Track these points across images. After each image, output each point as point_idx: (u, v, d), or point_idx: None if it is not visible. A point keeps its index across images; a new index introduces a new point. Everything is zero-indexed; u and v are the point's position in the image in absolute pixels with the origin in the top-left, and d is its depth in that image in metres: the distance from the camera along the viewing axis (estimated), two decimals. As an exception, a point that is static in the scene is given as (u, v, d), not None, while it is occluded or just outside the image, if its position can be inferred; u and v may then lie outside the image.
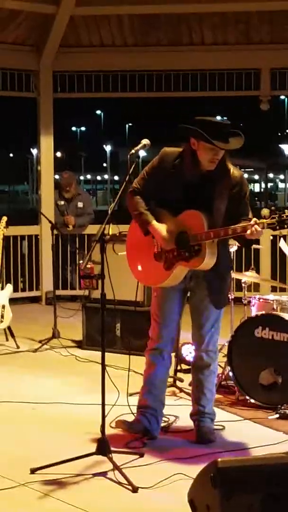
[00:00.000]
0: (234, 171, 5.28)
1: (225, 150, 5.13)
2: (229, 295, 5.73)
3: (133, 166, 5.09)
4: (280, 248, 7.40)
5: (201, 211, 5.17)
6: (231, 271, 5.69)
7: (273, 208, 5.16)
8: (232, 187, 5.22)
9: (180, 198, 5.25)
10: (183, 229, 5.24)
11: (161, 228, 5.30)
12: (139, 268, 5.52)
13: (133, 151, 5.11)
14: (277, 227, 4.90)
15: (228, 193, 5.19)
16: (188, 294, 5.52)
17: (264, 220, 4.94)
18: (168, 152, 5.34)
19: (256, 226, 4.93)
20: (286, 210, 4.93)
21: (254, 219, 4.98)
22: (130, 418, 5.64)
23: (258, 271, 8.97)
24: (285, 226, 4.88)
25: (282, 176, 71.59)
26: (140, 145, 5.22)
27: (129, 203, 5.46)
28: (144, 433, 5.45)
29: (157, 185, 5.32)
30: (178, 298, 5.50)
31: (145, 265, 5.47)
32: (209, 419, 5.56)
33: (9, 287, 8.56)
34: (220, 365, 6.86)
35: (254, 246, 8.77)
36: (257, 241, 10.23)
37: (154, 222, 5.31)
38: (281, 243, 7.40)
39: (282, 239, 7.57)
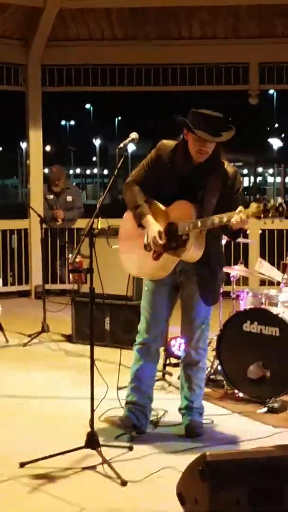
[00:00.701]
0: (228, 166, 5.29)
1: (212, 142, 5.13)
2: (220, 291, 5.68)
3: (122, 160, 5.10)
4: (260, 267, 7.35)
5: (191, 202, 5.19)
6: (223, 264, 5.64)
7: (258, 196, 5.19)
8: (225, 182, 5.23)
9: (174, 190, 5.26)
10: (172, 220, 5.26)
11: (155, 223, 5.30)
12: (130, 258, 5.53)
13: (121, 145, 5.12)
14: (262, 216, 4.89)
15: (220, 188, 5.21)
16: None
17: (250, 209, 4.93)
18: (165, 144, 5.35)
19: (241, 214, 4.92)
20: (271, 200, 4.92)
21: (240, 207, 4.97)
22: (120, 411, 5.65)
23: (247, 265, 8.98)
24: (270, 215, 4.86)
25: (271, 171, 71.53)
26: (128, 139, 5.24)
27: (127, 193, 5.47)
28: (132, 429, 5.46)
29: (155, 177, 5.34)
30: (169, 293, 5.49)
31: (135, 256, 5.47)
32: (197, 413, 5.57)
33: (-2, 281, 8.55)
34: (208, 359, 6.88)
35: (243, 240, 8.80)
36: (244, 234, 10.24)
37: (149, 217, 5.31)
38: (258, 266, 7.36)
39: (259, 259, 7.50)
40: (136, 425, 5.48)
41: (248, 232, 11.12)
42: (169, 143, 5.34)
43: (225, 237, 5.86)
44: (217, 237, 5.44)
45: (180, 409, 5.63)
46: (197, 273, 5.34)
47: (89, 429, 4.95)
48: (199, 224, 5.10)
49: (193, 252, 5.20)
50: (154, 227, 5.28)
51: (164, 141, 5.37)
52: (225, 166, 5.28)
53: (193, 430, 5.46)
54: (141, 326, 5.56)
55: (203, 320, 5.48)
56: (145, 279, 5.55)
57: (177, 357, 6.88)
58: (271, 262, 9.55)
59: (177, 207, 5.26)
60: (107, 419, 5.64)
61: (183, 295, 5.49)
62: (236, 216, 4.93)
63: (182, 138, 5.23)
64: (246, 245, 10.90)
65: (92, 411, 4.96)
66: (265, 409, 6.01)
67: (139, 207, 5.35)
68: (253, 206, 4.91)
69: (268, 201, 4.89)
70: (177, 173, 5.24)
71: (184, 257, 5.23)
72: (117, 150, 5.13)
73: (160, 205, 5.34)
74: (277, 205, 4.86)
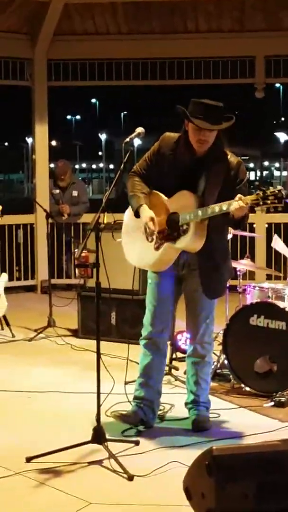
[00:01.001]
0: (231, 157, 5.28)
1: (209, 130, 5.11)
2: (226, 286, 5.66)
3: (128, 154, 5.08)
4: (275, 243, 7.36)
5: (191, 191, 5.19)
6: (229, 261, 5.62)
7: (257, 183, 5.18)
8: (228, 173, 5.22)
9: (176, 182, 5.25)
10: (174, 210, 5.26)
11: (147, 211, 5.27)
12: (132, 250, 5.53)
13: (127, 139, 5.11)
14: (261, 203, 4.88)
15: (222, 179, 5.19)
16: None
17: (249, 196, 4.92)
18: (168, 136, 5.36)
19: (240, 201, 4.91)
20: (270, 187, 4.91)
21: (239, 195, 4.96)
22: (127, 406, 5.65)
23: (253, 259, 8.97)
24: (269, 202, 4.85)
25: (277, 164, 71.49)
26: (134, 134, 5.22)
27: (127, 184, 5.48)
28: (140, 424, 5.45)
29: (158, 170, 5.34)
30: (173, 286, 5.48)
31: (137, 247, 5.46)
32: (204, 407, 5.56)
33: (5, 276, 8.54)
34: (215, 353, 6.87)
35: (250, 234, 8.80)
36: (250, 228, 10.24)
37: (144, 206, 5.29)
38: (274, 242, 7.38)
39: (275, 236, 7.53)
40: (143, 420, 5.47)
41: (254, 226, 11.13)
42: (171, 135, 5.34)
43: (231, 231, 5.86)
44: (221, 231, 5.43)
45: (186, 404, 5.62)
46: (200, 267, 5.33)
47: (95, 424, 4.95)
48: (200, 213, 5.10)
49: (193, 242, 5.18)
50: (147, 213, 5.25)
51: (167, 134, 5.38)
52: (228, 157, 5.27)
53: (199, 425, 5.45)
54: (146, 319, 5.55)
55: (207, 314, 5.47)
56: (149, 272, 5.53)
57: (184, 351, 6.87)
58: (278, 256, 9.57)
59: (178, 197, 5.25)
60: (114, 413, 5.62)
61: (186, 289, 5.48)
62: (235, 204, 4.92)
63: (183, 129, 5.23)
64: (252, 239, 10.89)
65: (99, 406, 4.96)
66: (272, 403, 6.00)
67: (135, 196, 5.35)
68: (253, 195, 4.92)
69: (267, 188, 4.88)
70: (179, 165, 5.24)
71: (185, 246, 5.22)
72: (123, 144, 5.12)
73: (163, 196, 5.32)
74: (276, 191, 4.86)
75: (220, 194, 5.17)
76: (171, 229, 5.27)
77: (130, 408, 5.58)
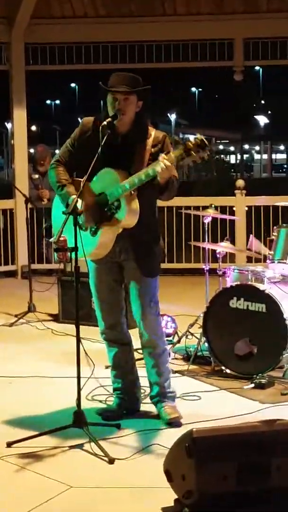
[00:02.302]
0: (156, 132, 5.18)
1: (119, 93, 5.04)
2: (160, 265, 5.51)
3: (105, 138, 5.04)
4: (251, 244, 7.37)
5: (115, 168, 5.07)
6: (159, 241, 5.40)
7: (176, 138, 5.10)
8: (153, 146, 5.09)
9: (102, 164, 5.08)
10: (100, 190, 5.13)
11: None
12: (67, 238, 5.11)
13: (104, 123, 5.06)
14: (185, 157, 4.77)
15: (148, 155, 5.06)
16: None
17: (172, 153, 4.80)
18: (88, 120, 5.28)
19: (164, 161, 4.77)
20: (191, 139, 4.80)
21: (162, 154, 4.83)
22: (105, 391, 5.68)
23: (233, 242, 8.99)
24: (193, 153, 4.74)
25: (257, 147, 71.57)
26: (111, 117, 5.17)
27: (51, 175, 5.36)
28: (126, 412, 5.44)
29: (82, 154, 5.18)
30: (115, 275, 5.32)
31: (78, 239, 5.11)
32: (171, 398, 5.42)
33: (-16, 262, 8.51)
34: (195, 336, 6.90)
35: (230, 217, 8.79)
36: (230, 211, 10.24)
37: (74, 196, 5.05)
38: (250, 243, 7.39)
39: (251, 236, 7.52)
40: (128, 409, 5.47)
41: (234, 209, 11.14)
42: (90, 118, 5.27)
43: (209, 215, 5.76)
44: (150, 207, 5.23)
45: (152, 397, 5.46)
46: (134, 250, 5.18)
47: (76, 408, 4.95)
48: (127, 185, 4.97)
49: (128, 216, 5.02)
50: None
51: (86, 118, 5.31)
52: (152, 132, 5.15)
53: (172, 420, 5.23)
54: (97, 314, 5.46)
55: (151, 297, 5.28)
56: (88, 266, 5.28)
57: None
58: (257, 238, 9.57)
59: (101, 177, 5.12)
60: (97, 411, 5.60)
61: (126, 276, 5.31)
62: (161, 164, 4.78)
63: (104, 108, 5.15)
64: (232, 222, 10.90)
65: (79, 390, 4.95)
66: (252, 385, 6.02)
67: (64, 187, 5.23)
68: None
69: (188, 141, 4.77)
70: (104, 146, 5.03)
71: (121, 223, 5.05)
72: (100, 128, 5.08)
73: (88, 181, 5.12)
74: (198, 141, 4.75)
75: None
76: (102, 210, 5.12)
77: (113, 401, 5.57)
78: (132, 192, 5.00)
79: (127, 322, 5.54)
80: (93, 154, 4.99)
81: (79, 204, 4.97)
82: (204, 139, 4.77)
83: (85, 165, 5.02)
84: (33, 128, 43.95)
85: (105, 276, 5.34)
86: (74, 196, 5.02)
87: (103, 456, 4.65)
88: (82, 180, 5.03)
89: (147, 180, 4.91)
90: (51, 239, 5.33)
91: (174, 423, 5.21)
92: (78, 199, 4.91)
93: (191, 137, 4.83)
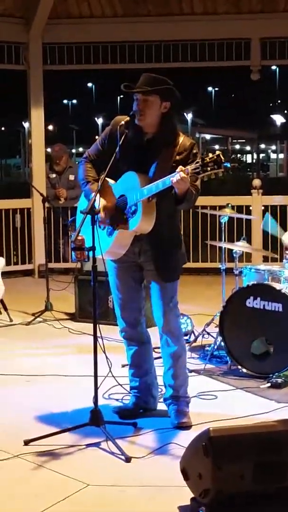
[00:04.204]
0: (184, 138, 5.12)
1: (138, 93, 5.02)
2: (180, 270, 5.45)
3: (123, 137, 5.05)
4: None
5: (138, 172, 5.04)
6: (182, 248, 5.42)
7: (195, 151, 5.04)
8: (178, 154, 5.05)
9: (127, 165, 5.09)
10: (121, 193, 5.14)
11: (101, 198, 5.13)
12: (84, 238, 5.11)
13: (122, 122, 5.07)
14: (201, 172, 4.68)
15: (172, 160, 5.01)
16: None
17: (189, 166, 4.74)
18: (118, 118, 5.22)
19: (180, 172, 4.72)
20: (210, 154, 4.72)
21: (180, 166, 4.78)
22: (122, 389, 5.70)
23: (249, 241, 8.99)
24: (209, 169, 4.66)
25: (273, 147, 71.40)
26: (130, 117, 5.18)
27: (79, 171, 5.38)
28: (143, 411, 5.45)
29: (110, 151, 5.13)
30: (134, 274, 5.33)
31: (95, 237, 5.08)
32: (184, 402, 5.38)
33: (2, 261, 8.55)
34: (212, 335, 6.92)
35: (246, 216, 8.78)
36: (247, 211, 10.25)
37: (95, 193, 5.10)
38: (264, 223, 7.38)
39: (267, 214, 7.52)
40: (145, 408, 5.48)
41: (251, 208, 11.14)
42: (123, 117, 5.18)
43: (226, 215, 5.76)
44: (171, 216, 5.21)
45: (165, 399, 5.44)
46: (152, 254, 5.18)
47: (93, 407, 4.97)
48: (145, 191, 4.94)
49: (143, 222, 5.00)
50: (102, 201, 5.12)
51: (118, 116, 5.25)
52: (180, 138, 5.11)
53: (181, 424, 5.20)
54: (117, 312, 5.48)
55: (170, 299, 5.26)
56: (108, 265, 5.35)
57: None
58: (274, 238, 9.57)
59: (124, 179, 5.12)
60: (111, 396, 5.65)
61: (146, 276, 5.31)
62: (177, 175, 4.74)
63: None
64: (248, 222, 10.91)
65: (96, 388, 4.97)
66: (268, 384, 6.03)
67: (87, 184, 5.23)
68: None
69: (206, 155, 4.70)
70: (129, 148, 5.06)
71: (136, 228, 5.04)
72: (118, 128, 5.09)
73: (109, 181, 5.16)
74: (215, 157, 4.66)
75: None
76: (120, 212, 5.13)
77: (129, 400, 5.59)
78: (150, 198, 4.98)
79: (146, 321, 5.56)
80: (120, 153, 5.01)
81: (97, 202, 4.99)
82: (222, 156, 4.69)
83: (113, 164, 5.02)
84: (50, 127, 44.06)
85: (125, 275, 5.35)
86: (93, 194, 5.05)
87: (120, 454, 4.67)
88: (106, 179, 5.06)
89: (164, 189, 4.88)
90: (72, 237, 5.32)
91: (182, 428, 5.18)
92: (96, 198, 4.92)
93: (210, 154, 4.71)
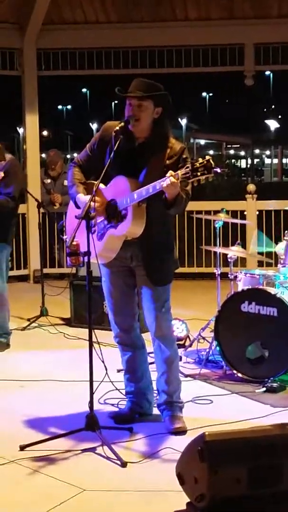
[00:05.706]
0: (175, 143, 5.12)
1: (137, 105, 5.04)
2: (171, 275, 5.41)
3: (118, 143, 5.06)
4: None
5: (128, 177, 5.05)
6: (174, 254, 5.37)
7: (185, 157, 5.05)
8: (169, 158, 5.05)
9: (118, 171, 5.10)
10: (111, 197, 5.14)
11: (83, 197, 5.15)
12: (82, 244, 5.06)
13: (117, 128, 5.07)
14: (191, 177, 4.68)
15: (163, 165, 5.01)
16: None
17: (179, 171, 4.74)
18: (109, 124, 5.25)
19: (170, 177, 4.72)
20: (200, 159, 4.71)
21: (170, 171, 4.79)
22: (118, 394, 5.71)
23: (244, 246, 8.99)
24: (199, 173, 4.66)
25: (268, 152, 71.51)
26: (124, 122, 5.18)
27: (67, 175, 5.41)
28: (138, 416, 5.46)
29: (100, 158, 5.17)
30: (126, 278, 5.33)
31: (83, 240, 5.03)
32: (178, 407, 5.36)
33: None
34: (207, 340, 6.92)
35: (241, 221, 8.79)
36: (241, 215, 10.26)
37: (81, 195, 5.15)
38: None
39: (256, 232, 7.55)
40: (141, 413, 5.48)
41: (245, 213, 11.15)
42: (113, 123, 5.20)
43: (221, 220, 5.77)
44: (163, 222, 5.19)
45: (159, 405, 5.42)
46: (144, 259, 5.17)
47: (88, 412, 4.97)
48: (135, 196, 4.94)
49: (133, 226, 5.01)
50: (84, 199, 5.10)
51: (109, 122, 5.28)
52: (172, 143, 5.11)
53: (175, 430, 5.19)
54: (110, 318, 5.49)
55: (162, 304, 5.25)
56: (101, 270, 5.33)
57: (178, 339, 6.92)
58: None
59: (114, 184, 5.12)
60: (107, 401, 5.66)
61: (138, 281, 5.29)
62: (167, 180, 4.74)
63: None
64: (243, 226, 10.92)
65: (91, 393, 4.98)
66: (264, 388, 6.03)
67: (73, 186, 5.25)
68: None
69: (196, 160, 4.70)
70: (121, 153, 5.06)
71: (126, 232, 5.05)
72: (113, 133, 5.10)
73: (100, 185, 5.11)
74: (205, 162, 4.65)
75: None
76: (110, 216, 5.14)
77: (125, 405, 5.59)
78: (140, 203, 4.99)
79: (140, 326, 5.57)
80: (110, 159, 5.02)
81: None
82: (212, 161, 4.69)
83: (102, 169, 5.03)
84: (45, 133, 44.05)
85: (118, 281, 5.35)
86: (83, 197, 5.10)
87: (115, 459, 4.67)
88: (95, 183, 5.05)
89: (154, 193, 4.88)
90: (66, 240, 5.34)
91: (177, 433, 5.16)
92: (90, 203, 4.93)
93: (200, 159, 4.71)
